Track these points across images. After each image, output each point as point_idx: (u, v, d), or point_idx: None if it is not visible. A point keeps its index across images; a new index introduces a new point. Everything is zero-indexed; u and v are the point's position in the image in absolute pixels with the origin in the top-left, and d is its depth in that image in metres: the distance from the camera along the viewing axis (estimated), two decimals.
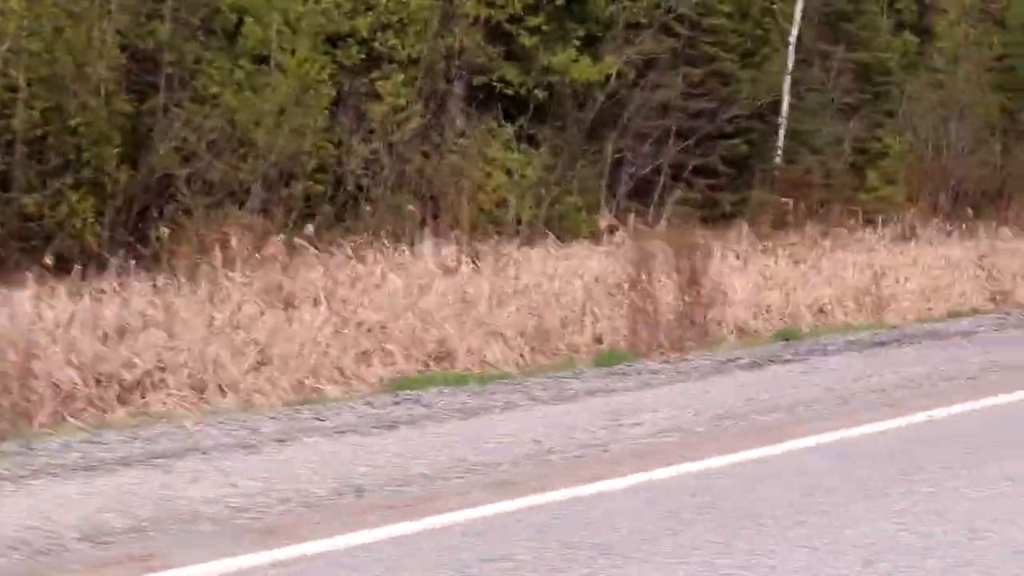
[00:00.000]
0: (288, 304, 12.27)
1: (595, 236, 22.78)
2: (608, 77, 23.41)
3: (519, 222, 23.04)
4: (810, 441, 8.89)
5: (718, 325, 13.98)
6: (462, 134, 22.44)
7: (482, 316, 12.04)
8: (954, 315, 15.84)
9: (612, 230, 22.23)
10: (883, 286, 16.87)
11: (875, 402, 10.40)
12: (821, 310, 16.18)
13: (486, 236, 21.33)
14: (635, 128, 23.86)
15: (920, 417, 9.74)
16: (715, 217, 25.92)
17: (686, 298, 13.24)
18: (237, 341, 10.37)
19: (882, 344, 13.68)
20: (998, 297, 17.47)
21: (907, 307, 16.46)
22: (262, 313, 11.84)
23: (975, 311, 16.50)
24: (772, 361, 12.45)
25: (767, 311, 15.51)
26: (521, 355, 11.23)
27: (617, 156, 23.76)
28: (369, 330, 11.31)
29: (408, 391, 9.94)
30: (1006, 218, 30.15)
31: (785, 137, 27.91)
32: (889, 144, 29.34)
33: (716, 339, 12.95)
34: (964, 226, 27.31)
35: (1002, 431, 9.46)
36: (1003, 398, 10.54)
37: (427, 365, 10.94)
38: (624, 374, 11.64)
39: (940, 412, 9.96)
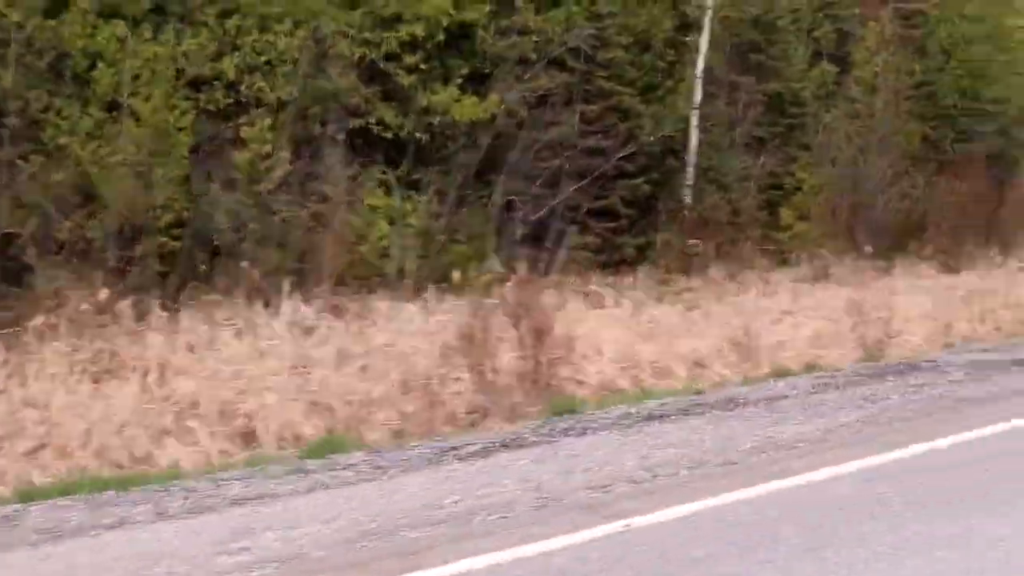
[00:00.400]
0: (103, 376, 11.65)
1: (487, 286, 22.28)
2: (495, 116, 22.92)
3: (404, 274, 22.49)
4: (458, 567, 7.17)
5: (578, 384, 13.50)
6: (339, 181, 21.85)
7: (308, 385, 11.49)
8: (810, 368, 15.08)
9: (502, 280, 21.76)
10: (764, 335, 16.49)
11: (578, 503, 8.71)
12: (698, 363, 15.75)
13: (365, 290, 20.84)
14: (526, 169, 23.44)
15: (616, 526, 8.02)
16: (616, 262, 25.54)
17: (537, 357, 12.75)
18: (21, 420, 9.74)
19: (660, 418, 11.65)
20: (875, 348, 17.05)
21: (782, 358, 16.08)
22: (79, 385, 11.18)
23: (813, 368, 15.73)
24: (506, 447, 10.69)
25: (637, 366, 15.07)
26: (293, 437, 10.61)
27: (508, 200, 23.24)
28: (177, 404, 10.72)
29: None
30: (927, 254, 29.98)
31: (694, 174, 27.47)
32: (803, 178, 28.99)
33: (568, 402, 12.46)
34: (880, 264, 27.12)
35: (727, 538, 7.69)
36: (744, 493, 8.85)
37: (232, 443, 10.36)
38: (303, 472, 9.89)
39: (641, 520, 8.20)
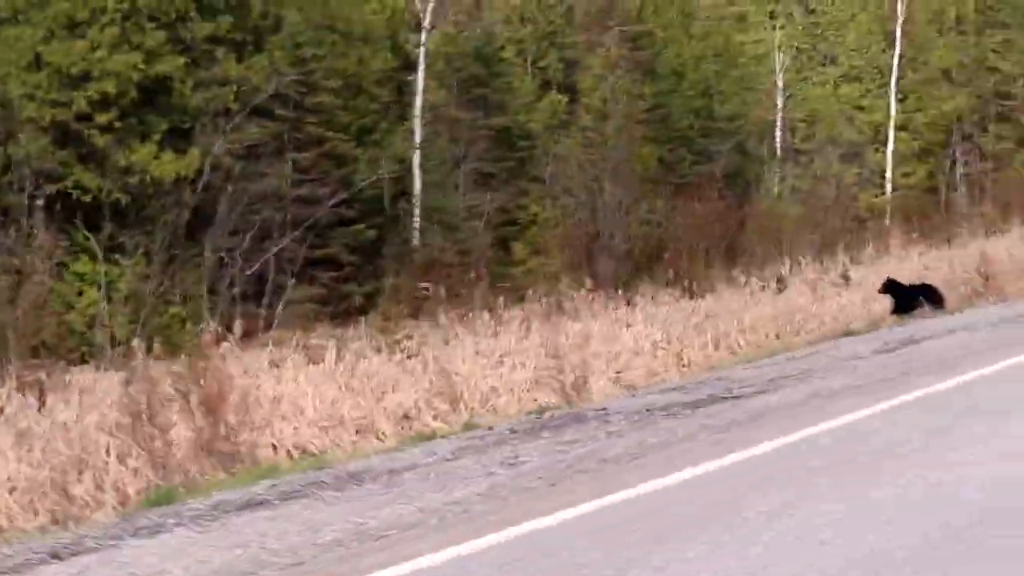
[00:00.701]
0: None
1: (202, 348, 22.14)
2: (200, 171, 22.85)
3: (115, 341, 22.24)
4: None
5: (273, 450, 13.41)
6: (38, 250, 21.56)
7: None
8: (515, 416, 14.63)
9: (218, 341, 21.57)
10: (479, 380, 16.60)
11: None
12: (406, 415, 15.74)
13: (66, 362, 20.52)
14: (238, 223, 23.39)
15: None
16: (344, 311, 25.63)
17: (216, 424, 12.67)
18: None
19: (260, 504, 9.62)
20: (571, 392, 17.30)
21: (496, 404, 16.23)
22: None
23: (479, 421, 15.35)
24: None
25: (341, 424, 15.04)
26: None
27: (220, 256, 23.18)
28: None
29: None
30: (669, 279, 30.68)
31: (420, 216, 27.78)
32: (536, 212, 29.50)
33: (258, 469, 12.41)
34: (620, 294, 27.62)
35: None
36: None
37: None
38: None
39: None
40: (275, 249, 24.01)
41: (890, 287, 22.00)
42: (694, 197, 34.03)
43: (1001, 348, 15.44)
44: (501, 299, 27.13)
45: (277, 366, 18.63)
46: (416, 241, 28.50)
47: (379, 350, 21.80)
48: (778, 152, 41.84)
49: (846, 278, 27.46)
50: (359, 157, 26.25)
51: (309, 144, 25.23)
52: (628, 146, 33.26)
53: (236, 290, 24.50)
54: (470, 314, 25.29)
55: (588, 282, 29.35)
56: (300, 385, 17.18)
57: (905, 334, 18.39)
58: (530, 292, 27.47)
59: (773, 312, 22.51)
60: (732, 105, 37.76)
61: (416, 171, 28.44)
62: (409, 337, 22.13)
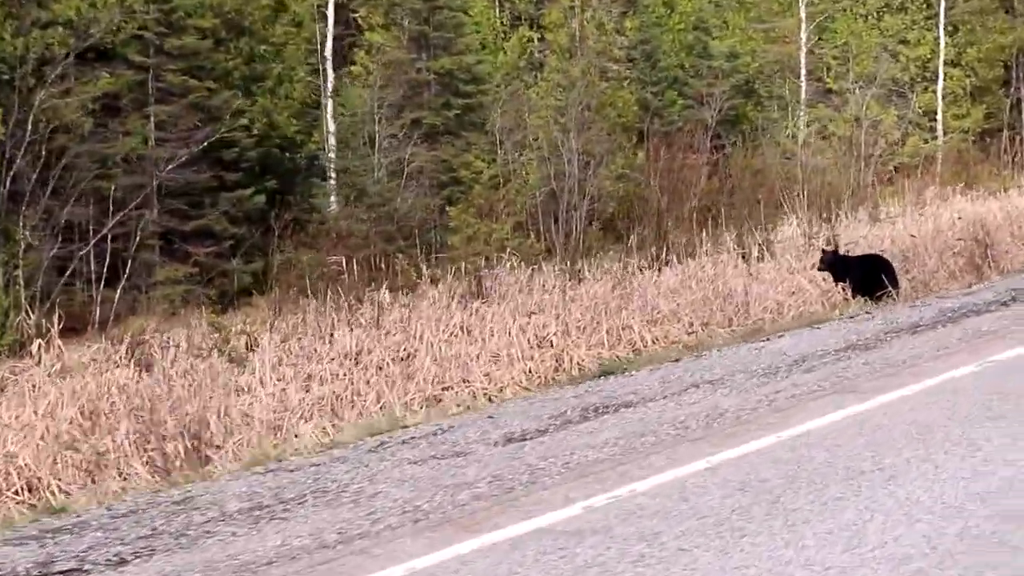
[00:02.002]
0: None
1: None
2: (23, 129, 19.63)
3: None
4: None
5: None
6: None
7: None
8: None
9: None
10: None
11: None
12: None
13: None
14: (85, 191, 20.20)
15: None
16: (232, 294, 22.29)
17: None
18: None
19: None
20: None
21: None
22: None
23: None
24: None
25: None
26: None
27: (51, 229, 19.99)
28: None
29: None
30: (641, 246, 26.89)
31: (335, 178, 24.37)
32: (482, 169, 25.94)
33: None
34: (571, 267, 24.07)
35: None
36: None
37: None
38: None
39: None
40: (142, 222, 20.58)
41: (833, 262, 18.21)
42: (680, 148, 30.28)
43: None
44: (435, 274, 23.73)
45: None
46: (333, 207, 25.02)
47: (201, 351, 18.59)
48: (803, 94, 37.88)
49: (833, 243, 23.81)
50: (247, 110, 22.72)
51: (174, 96, 21.76)
52: (601, 90, 29.46)
53: (92, 272, 21.17)
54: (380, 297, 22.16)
55: (539, 251, 25.98)
56: None
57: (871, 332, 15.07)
58: (463, 266, 24.03)
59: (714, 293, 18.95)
60: (733, 40, 33.70)
61: (328, 124, 24.93)
62: (244, 333, 18.97)
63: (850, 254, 19.08)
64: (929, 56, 42.00)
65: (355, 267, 24.01)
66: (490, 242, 26.04)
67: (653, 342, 16.99)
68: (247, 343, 18.05)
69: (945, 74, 41.87)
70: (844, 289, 17.96)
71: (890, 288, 17.45)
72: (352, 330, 17.85)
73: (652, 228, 26.93)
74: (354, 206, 24.55)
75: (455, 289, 22.76)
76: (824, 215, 27.46)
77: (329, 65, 24.65)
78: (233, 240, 22.52)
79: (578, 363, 15.98)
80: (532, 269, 23.72)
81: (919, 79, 41.93)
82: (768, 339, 15.21)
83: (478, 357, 15.70)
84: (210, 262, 22.24)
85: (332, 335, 17.73)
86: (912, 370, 11.75)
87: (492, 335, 17.03)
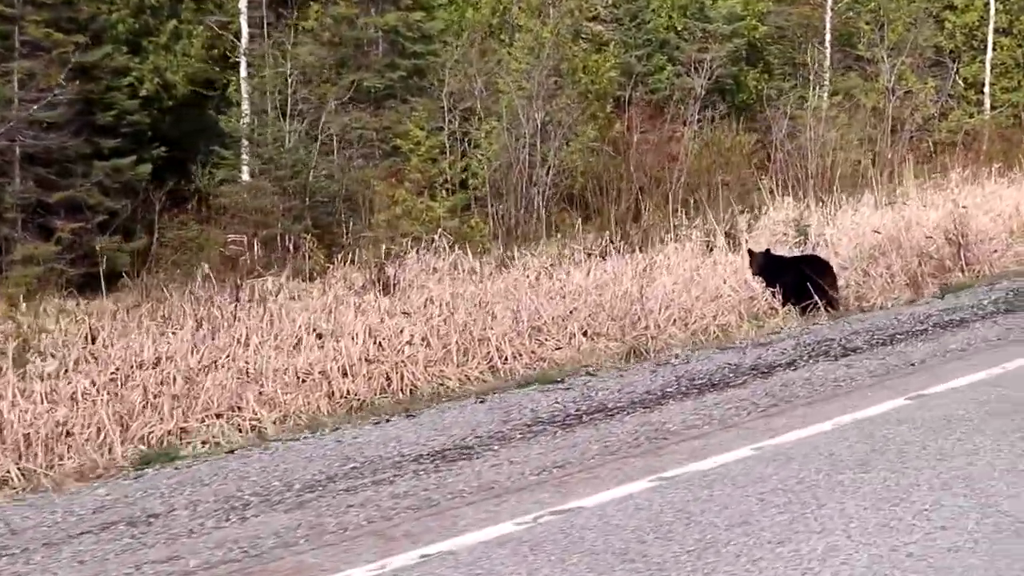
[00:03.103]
0: None
1: None
2: None
3: None
4: None
5: None
6: None
7: None
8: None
9: None
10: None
11: None
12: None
13: None
14: None
15: None
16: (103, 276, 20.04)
17: None
18: None
19: None
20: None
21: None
22: None
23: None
24: None
25: None
26: None
27: None
28: None
29: None
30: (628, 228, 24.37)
31: (247, 147, 22.06)
32: (419, 138, 23.55)
33: None
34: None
35: None
36: None
37: None
38: None
39: None
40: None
41: (765, 265, 15.70)
42: (663, 119, 27.71)
43: None
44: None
45: None
46: (245, 177, 22.69)
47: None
48: (827, 61, 35.06)
49: (803, 232, 21.43)
50: (134, 68, 20.41)
51: (41, 51, 19.54)
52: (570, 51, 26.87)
53: None
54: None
55: (482, 231, 23.69)
56: None
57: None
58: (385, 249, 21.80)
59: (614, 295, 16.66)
60: (735, 0, 30.89)
61: (243, 87, 22.57)
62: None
63: (785, 255, 16.71)
64: (977, 23, 39.36)
65: (257, 247, 21.82)
66: (425, 222, 23.62)
67: (515, 358, 14.62)
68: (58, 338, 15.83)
69: (995, 43, 39.18)
70: (776, 296, 15.59)
71: (816, 299, 15.09)
72: (175, 332, 15.62)
73: (626, 208, 24.46)
74: (263, 179, 22.22)
75: (353, 277, 20.53)
76: (822, 198, 24.97)
77: (244, 20, 22.23)
78: (109, 215, 20.16)
79: (411, 385, 13.66)
80: (455, 255, 21.46)
81: (965, 48, 39.08)
82: (647, 358, 13.42)
83: (284, 372, 13.42)
84: (78, 239, 19.91)
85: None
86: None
87: (355, 340, 14.79)
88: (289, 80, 22.31)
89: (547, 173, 25.08)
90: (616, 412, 10.47)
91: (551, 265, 21.10)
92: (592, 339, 15.07)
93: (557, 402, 11.14)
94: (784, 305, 15.37)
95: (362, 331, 14.95)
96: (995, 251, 20.52)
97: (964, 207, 21.24)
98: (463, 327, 14.74)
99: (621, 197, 24.50)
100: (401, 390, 13.43)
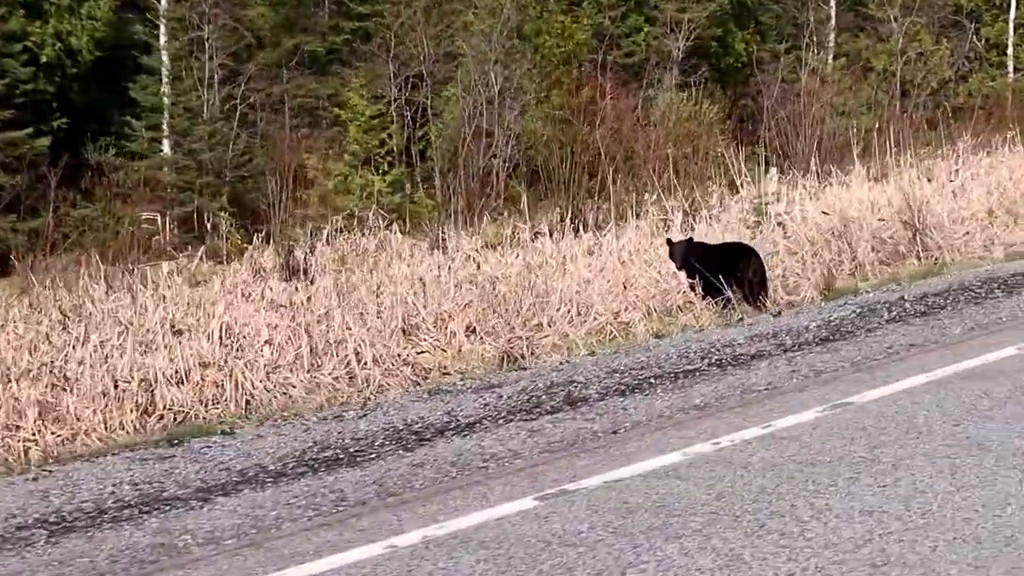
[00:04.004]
0: None
1: None
2: None
3: None
4: None
5: None
6: None
7: None
8: None
9: None
10: None
11: None
12: None
13: None
14: None
15: None
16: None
17: None
18: None
19: None
20: None
21: None
22: None
23: None
24: None
25: None
26: None
27: None
28: None
29: None
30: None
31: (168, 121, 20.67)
32: (359, 107, 22.09)
33: None
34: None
35: None
36: None
37: None
38: None
39: None
40: None
41: (686, 255, 14.14)
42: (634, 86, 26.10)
43: None
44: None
45: None
46: (167, 152, 21.28)
47: None
48: (832, 21, 33.32)
49: (760, 212, 19.90)
50: (31, 32, 19.00)
51: None
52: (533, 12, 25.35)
53: None
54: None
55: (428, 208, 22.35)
56: None
57: None
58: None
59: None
60: None
61: (163, 56, 21.13)
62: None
63: (710, 243, 15.11)
64: None
65: (170, 226, 20.45)
66: (363, 197, 22.16)
67: (376, 362, 13.19)
68: None
69: (1019, 1, 37.19)
70: (696, 289, 14.03)
71: (727, 293, 13.52)
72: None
73: (589, 182, 22.84)
74: (179, 152, 20.83)
75: (262, 261, 19.15)
76: (813, 170, 23.31)
77: None
78: None
79: (248, 394, 12.18)
80: (383, 236, 20.04)
81: (987, 6, 37.24)
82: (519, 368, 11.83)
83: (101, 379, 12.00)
84: None
85: None
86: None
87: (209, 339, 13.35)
88: (208, 44, 20.89)
89: (506, 144, 23.59)
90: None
91: (483, 247, 19.67)
92: (481, 339, 13.64)
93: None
94: (704, 299, 13.89)
95: (218, 327, 13.56)
96: (967, 233, 18.88)
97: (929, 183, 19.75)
98: (318, 322, 13.37)
99: (576, 170, 22.92)
100: (236, 401, 12.07)
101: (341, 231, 20.41)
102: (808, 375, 9.95)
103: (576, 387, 10.13)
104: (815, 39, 32.06)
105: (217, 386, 12.22)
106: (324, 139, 23.52)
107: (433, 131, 23.97)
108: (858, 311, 13.01)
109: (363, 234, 20.18)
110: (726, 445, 7.72)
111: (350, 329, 13.34)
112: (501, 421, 9.24)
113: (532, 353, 13.01)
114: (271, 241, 19.59)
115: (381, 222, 19.89)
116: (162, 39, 21.59)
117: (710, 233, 18.25)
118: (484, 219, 21.25)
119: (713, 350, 11.45)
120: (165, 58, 21.58)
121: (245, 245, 19.50)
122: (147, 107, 21.15)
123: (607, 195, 22.29)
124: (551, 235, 19.50)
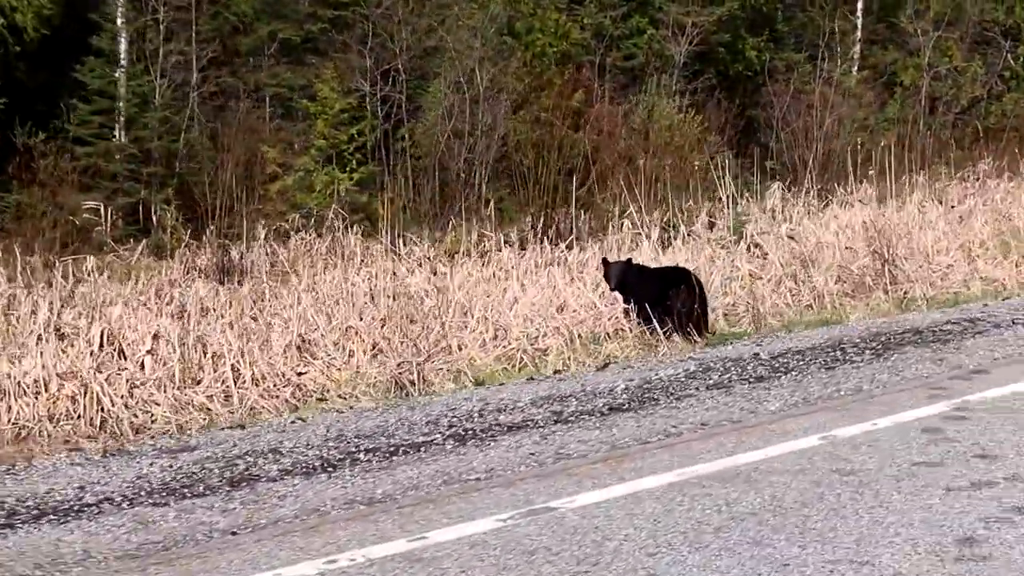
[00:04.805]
0: None
1: None
2: None
3: None
4: None
5: None
6: None
7: None
8: None
9: None
10: None
11: None
12: None
13: None
14: None
15: None
16: None
17: None
18: None
19: None
20: None
21: None
22: None
23: None
24: None
25: None
26: None
27: None
28: None
29: None
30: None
31: (124, 100, 19.83)
32: (329, 99, 21.25)
33: None
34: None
35: None
36: None
37: None
38: None
39: None
40: None
41: (623, 278, 13.25)
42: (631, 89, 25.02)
43: None
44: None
45: None
46: (120, 137, 20.42)
47: None
48: (859, 30, 32.14)
49: (738, 230, 19.09)
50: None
51: None
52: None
53: None
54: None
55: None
56: None
57: None
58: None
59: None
60: None
61: (122, 35, 20.25)
62: None
63: (649, 267, 14.25)
64: None
65: (112, 217, 19.49)
66: (326, 195, 21.21)
67: (256, 382, 12.33)
68: None
69: None
70: (630, 315, 13.17)
71: (654, 323, 12.64)
72: None
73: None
74: (126, 139, 19.94)
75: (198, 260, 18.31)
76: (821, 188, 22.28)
77: None
78: None
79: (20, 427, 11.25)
80: (337, 237, 19.29)
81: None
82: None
83: None
84: None
85: None
86: None
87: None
88: (161, 27, 20.01)
89: (487, 147, 22.59)
90: None
91: (443, 254, 18.75)
92: (387, 358, 12.60)
93: None
94: (639, 325, 12.97)
95: (99, 333, 12.57)
96: (950, 265, 17.72)
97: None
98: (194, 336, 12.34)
99: (550, 176, 21.99)
100: (90, 420, 11.07)
101: (298, 230, 19.60)
102: (544, 462, 8.64)
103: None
104: (839, 50, 30.97)
105: (72, 400, 11.28)
106: (296, 132, 22.66)
107: (407, 129, 23.05)
108: (695, 368, 11.80)
109: (318, 234, 19.34)
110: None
111: (229, 343, 12.36)
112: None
113: (423, 380, 12.03)
114: (218, 237, 18.77)
115: (341, 222, 19.00)
116: (119, 20, 20.72)
117: (680, 252, 17.23)
118: (450, 224, 20.36)
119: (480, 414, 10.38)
120: (123, 42, 20.73)
121: (190, 241, 18.63)
122: (94, 90, 20.25)
123: (584, 205, 21.49)
124: (522, 245, 18.56)
